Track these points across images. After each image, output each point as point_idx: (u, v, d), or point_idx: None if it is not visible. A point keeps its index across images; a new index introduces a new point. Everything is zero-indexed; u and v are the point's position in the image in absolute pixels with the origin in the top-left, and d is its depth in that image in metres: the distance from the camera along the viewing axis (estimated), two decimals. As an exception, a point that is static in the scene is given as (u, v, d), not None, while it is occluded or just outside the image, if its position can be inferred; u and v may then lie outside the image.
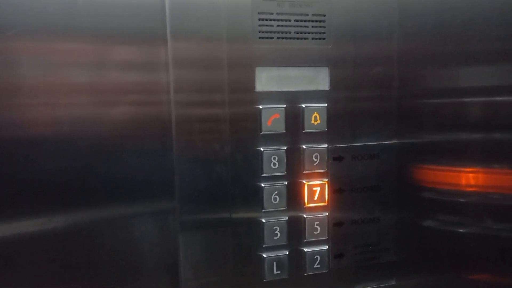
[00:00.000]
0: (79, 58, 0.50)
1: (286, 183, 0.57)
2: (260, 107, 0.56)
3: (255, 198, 0.57)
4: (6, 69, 0.47)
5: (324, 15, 0.57)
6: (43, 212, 0.50)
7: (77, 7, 0.49)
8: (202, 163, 0.54)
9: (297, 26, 0.56)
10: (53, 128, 0.50)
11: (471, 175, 0.67)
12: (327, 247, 0.61)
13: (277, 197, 0.57)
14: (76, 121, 0.50)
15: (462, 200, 0.67)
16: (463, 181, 0.68)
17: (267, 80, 0.56)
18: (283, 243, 0.58)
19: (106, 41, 0.50)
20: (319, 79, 0.58)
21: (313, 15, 0.57)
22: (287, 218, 0.58)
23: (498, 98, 0.65)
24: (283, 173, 0.57)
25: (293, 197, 0.58)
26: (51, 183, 0.50)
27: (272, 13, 0.55)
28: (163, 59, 0.52)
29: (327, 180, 0.59)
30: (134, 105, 0.52)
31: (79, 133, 0.50)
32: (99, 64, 0.50)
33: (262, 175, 0.56)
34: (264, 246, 0.58)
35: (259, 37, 0.55)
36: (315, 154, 0.58)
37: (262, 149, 0.56)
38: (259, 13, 0.54)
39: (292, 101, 0.57)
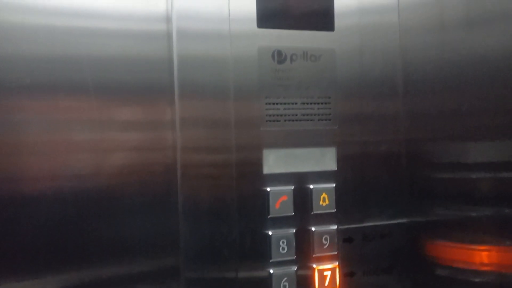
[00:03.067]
0: (83, 114, 0.49)
1: (295, 268, 0.56)
2: (268, 189, 0.55)
3: (264, 285, 0.55)
4: (10, 126, 0.47)
5: (329, 97, 0.58)
6: (39, 273, 0.48)
7: (81, 63, 0.49)
8: (209, 249, 0.53)
9: (304, 109, 0.57)
10: (52, 185, 0.49)
11: (484, 253, 0.65)
12: (340, 335, 0.58)
13: (286, 284, 0.55)
14: (78, 178, 0.49)
15: (477, 279, 0.65)
16: (477, 259, 0.66)
17: (274, 162, 0.56)
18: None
19: (111, 96, 0.51)
20: (326, 159, 0.58)
21: (318, 97, 0.58)
22: (297, 306, 0.56)
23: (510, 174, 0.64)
24: (292, 258, 0.55)
25: (303, 282, 0.56)
26: (48, 241, 0.48)
27: (279, 97, 0.56)
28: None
29: (337, 263, 0.57)
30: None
31: (81, 191, 0.49)
32: (104, 121, 0.50)
33: (271, 261, 0.55)
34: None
35: (267, 120, 0.55)
36: (324, 236, 0.57)
37: (270, 233, 0.55)
38: (266, 97, 0.55)
39: (300, 182, 0.57)
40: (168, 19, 0.52)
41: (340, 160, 0.59)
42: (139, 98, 0.51)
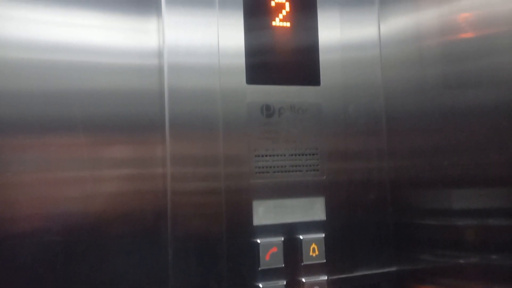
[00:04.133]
0: (74, 151, 0.50)
1: (286, 322, 0.55)
2: (258, 241, 0.55)
3: None
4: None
5: (317, 148, 0.60)
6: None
7: (72, 97, 0.50)
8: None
9: (292, 160, 0.58)
10: (39, 224, 0.48)
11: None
12: None
13: (278, 338, 0.54)
14: (66, 217, 0.49)
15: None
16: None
17: (264, 213, 0.56)
18: None
19: (102, 132, 0.51)
20: (315, 210, 0.59)
21: (306, 149, 0.59)
22: None
23: (494, 221, 0.65)
24: (284, 312, 0.55)
25: (295, 336, 0.55)
26: (35, 281, 0.47)
27: (268, 149, 0.57)
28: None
29: (328, 315, 0.57)
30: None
31: (69, 229, 0.49)
32: (95, 157, 0.51)
33: (262, 316, 0.54)
34: None
35: (256, 172, 0.56)
36: (315, 287, 0.57)
37: (261, 285, 0.55)
38: (255, 150, 0.56)
39: (290, 232, 0.57)
40: (160, 54, 0.54)
41: (328, 209, 0.59)
42: (130, 132, 0.52)
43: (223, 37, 0.56)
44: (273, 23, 0.58)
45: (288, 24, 0.58)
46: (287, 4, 0.58)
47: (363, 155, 0.62)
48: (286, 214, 0.58)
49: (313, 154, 0.59)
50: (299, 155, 0.59)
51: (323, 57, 0.60)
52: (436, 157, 0.64)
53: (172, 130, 0.53)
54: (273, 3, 0.58)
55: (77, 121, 0.50)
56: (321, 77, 0.60)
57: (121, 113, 0.52)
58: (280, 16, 0.58)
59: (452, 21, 0.57)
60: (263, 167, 0.57)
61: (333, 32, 0.61)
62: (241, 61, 0.56)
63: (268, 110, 0.57)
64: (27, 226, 0.48)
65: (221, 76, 0.55)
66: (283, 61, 0.58)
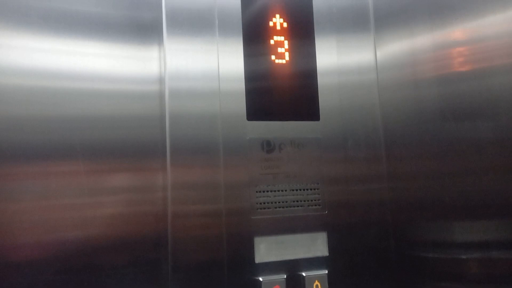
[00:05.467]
0: (74, 178, 0.50)
1: None
2: (261, 279, 0.54)
3: None
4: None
5: (318, 183, 0.59)
6: None
7: (74, 124, 0.50)
8: None
9: (293, 195, 0.58)
10: (38, 252, 0.48)
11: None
12: None
13: None
14: (65, 245, 0.49)
15: None
16: None
17: (266, 250, 0.56)
18: None
19: (104, 158, 0.51)
20: (317, 245, 0.58)
21: (307, 183, 0.59)
22: None
23: (496, 253, 0.65)
24: None
25: None
26: None
27: (269, 185, 0.57)
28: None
29: None
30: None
31: (67, 257, 0.49)
32: (96, 183, 0.51)
33: None
34: None
35: (257, 208, 0.56)
36: (319, 326, 0.55)
37: (264, 327, 0.53)
38: (256, 185, 0.56)
39: (293, 269, 0.56)
40: (161, 80, 0.55)
41: (331, 245, 0.59)
42: (131, 158, 0.53)
43: (223, 63, 0.57)
44: (272, 59, 0.59)
45: (286, 61, 0.59)
46: (286, 42, 0.59)
47: (364, 188, 0.62)
48: (288, 250, 0.57)
49: (314, 189, 0.59)
50: (300, 190, 0.58)
51: (321, 83, 0.60)
52: (437, 188, 0.64)
53: (173, 155, 0.53)
54: (272, 41, 0.59)
55: (77, 147, 0.51)
56: (320, 110, 0.60)
57: (122, 139, 0.53)
58: (279, 50, 0.59)
59: (445, 46, 0.58)
60: (264, 203, 0.56)
61: (331, 60, 0.62)
62: (241, 86, 0.57)
63: (268, 146, 0.57)
64: (22, 255, 0.48)
65: (221, 102, 0.56)
66: (282, 97, 0.58)
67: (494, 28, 0.53)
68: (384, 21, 0.65)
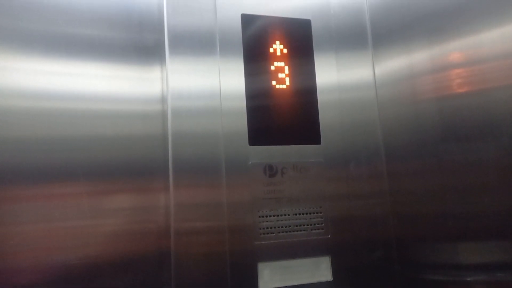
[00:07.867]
0: (76, 201, 0.50)
1: None
2: (265, 306, 0.54)
3: None
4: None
5: (321, 206, 0.59)
6: None
7: (77, 144, 0.51)
8: None
9: (296, 219, 0.58)
10: (39, 275, 0.47)
11: None
12: None
13: None
14: (66, 268, 0.48)
15: None
16: None
17: (269, 276, 0.55)
18: None
19: (107, 178, 0.51)
20: (321, 270, 0.58)
21: (310, 207, 0.59)
22: None
23: (502, 275, 0.64)
24: None
25: None
26: None
27: (272, 209, 0.57)
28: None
29: None
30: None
31: (69, 280, 0.48)
32: (98, 203, 0.50)
33: None
34: None
35: (260, 234, 0.56)
36: None
37: None
38: (259, 210, 0.56)
39: (297, 295, 0.56)
40: (163, 100, 0.55)
41: (335, 269, 0.58)
42: (134, 177, 0.53)
43: (224, 85, 0.57)
44: (273, 85, 0.59)
45: (287, 86, 0.60)
46: (286, 68, 0.60)
47: (367, 210, 0.62)
48: (292, 275, 0.56)
49: (317, 212, 0.59)
50: (303, 213, 0.58)
51: (322, 103, 0.61)
52: (439, 206, 0.63)
53: (175, 175, 0.53)
54: (272, 67, 0.60)
55: (79, 168, 0.51)
56: (321, 131, 0.60)
57: (125, 159, 0.53)
58: (280, 76, 0.60)
59: (442, 61, 0.59)
60: (267, 228, 0.56)
61: (331, 79, 0.63)
62: (243, 105, 0.57)
63: (271, 170, 0.57)
64: (23, 278, 0.47)
65: (223, 121, 0.56)
66: (284, 122, 0.59)
67: (492, 48, 0.54)
68: (381, 39, 0.66)
